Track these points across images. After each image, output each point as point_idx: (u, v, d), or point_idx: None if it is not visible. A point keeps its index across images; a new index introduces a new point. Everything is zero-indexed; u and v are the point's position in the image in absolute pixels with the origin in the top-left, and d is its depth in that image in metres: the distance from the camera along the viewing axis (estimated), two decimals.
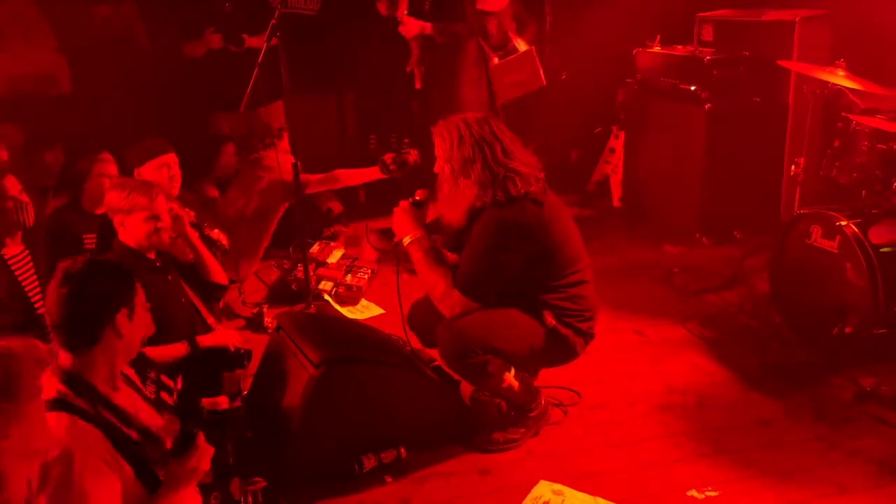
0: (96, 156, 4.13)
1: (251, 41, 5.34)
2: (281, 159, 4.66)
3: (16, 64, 5.61)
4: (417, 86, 5.42)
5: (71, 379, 2.09)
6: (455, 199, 3.06)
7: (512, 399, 3.23)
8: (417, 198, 3.19)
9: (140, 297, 2.28)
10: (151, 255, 3.36)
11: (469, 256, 3.03)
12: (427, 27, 5.09)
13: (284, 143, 4.77)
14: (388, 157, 4.30)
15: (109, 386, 2.18)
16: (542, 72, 5.38)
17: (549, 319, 3.04)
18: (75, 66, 5.82)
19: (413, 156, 4.29)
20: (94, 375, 2.15)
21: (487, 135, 3.01)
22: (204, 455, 2.13)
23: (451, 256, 3.22)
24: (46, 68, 5.76)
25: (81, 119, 5.39)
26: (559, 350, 3.11)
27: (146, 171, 3.88)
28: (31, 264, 3.35)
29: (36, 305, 3.44)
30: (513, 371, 3.14)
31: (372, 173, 4.47)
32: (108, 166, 4.12)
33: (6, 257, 3.34)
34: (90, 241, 3.99)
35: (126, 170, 4.02)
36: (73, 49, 5.80)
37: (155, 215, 3.31)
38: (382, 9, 5.40)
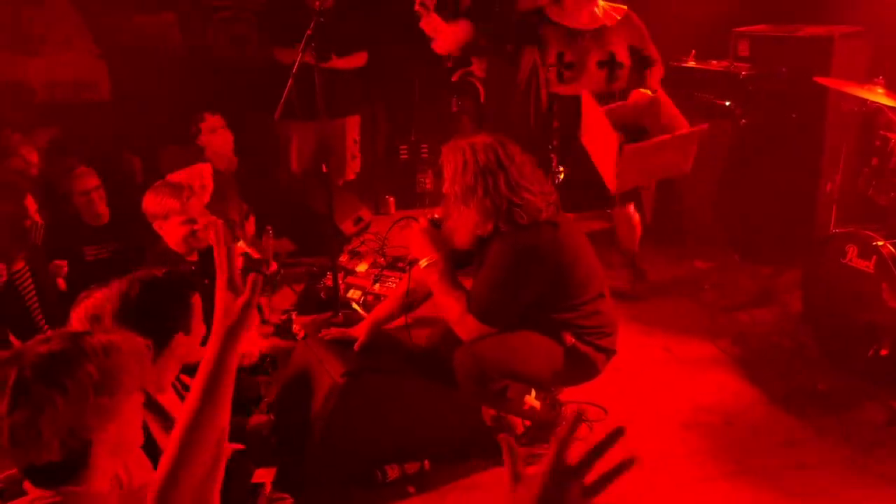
0: (72, 172, 4.10)
1: (338, 62, 5.24)
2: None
3: (57, 70, 5.72)
4: (454, 78, 5.31)
5: None
6: (459, 224, 3.01)
7: (535, 419, 3.22)
8: (437, 216, 3.09)
9: (196, 314, 2.31)
10: (194, 258, 3.39)
11: (485, 283, 2.96)
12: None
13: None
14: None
15: (156, 389, 2.23)
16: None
17: (568, 338, 2.99)
18: (115, 73, 5.92)
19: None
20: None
21: (493, 163, 2.89)
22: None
23: None
24: (87, 75, 5.87)
25: (120, 125, 5.48)
26: (580, 368, 3.07)
27: (177, 177, 3.94)
28: (30, 280, 3.40)
29: (36, 319, 3.46)
30: (533, 393, 3.12)
31: None
32: (85, 181, 4.10)
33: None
34: (91, 253, 4.04)
35: (160, 174, 4.06)
36: (115, 56, 5.90)
37: (190, 219, 3.34)
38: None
